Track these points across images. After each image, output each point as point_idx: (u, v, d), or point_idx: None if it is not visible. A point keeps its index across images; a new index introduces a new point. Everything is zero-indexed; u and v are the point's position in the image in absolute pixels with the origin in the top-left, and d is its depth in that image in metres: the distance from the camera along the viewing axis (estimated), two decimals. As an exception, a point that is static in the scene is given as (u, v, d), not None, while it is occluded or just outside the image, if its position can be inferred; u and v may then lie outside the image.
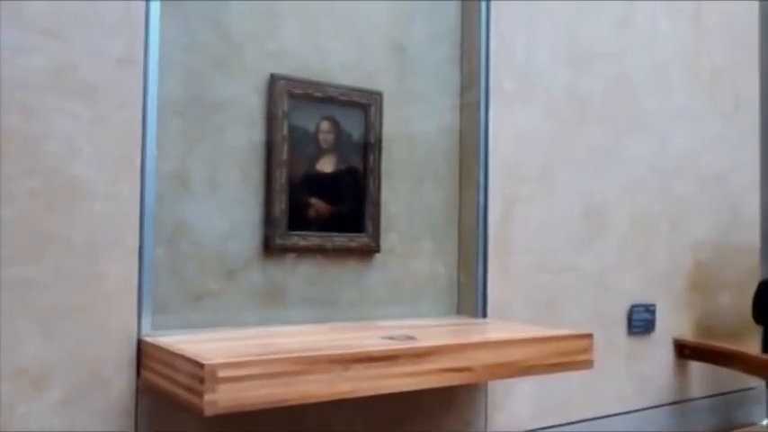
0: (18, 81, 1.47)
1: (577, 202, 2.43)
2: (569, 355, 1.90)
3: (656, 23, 2.68)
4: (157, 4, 1.64)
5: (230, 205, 1.81)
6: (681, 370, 2.74)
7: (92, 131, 1.55)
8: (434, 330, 1.94)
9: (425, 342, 1.68)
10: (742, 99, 3.00)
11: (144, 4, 1.62)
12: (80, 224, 1.53)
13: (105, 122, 1.56)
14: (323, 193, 1.95)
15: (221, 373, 1.34)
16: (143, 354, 1.58)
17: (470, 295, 2.17)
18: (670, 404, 2.69)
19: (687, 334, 2.76)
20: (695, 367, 2.77)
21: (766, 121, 3.10)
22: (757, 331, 2.64)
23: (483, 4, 2.19)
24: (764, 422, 2.76)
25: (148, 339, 1.57)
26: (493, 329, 2.05)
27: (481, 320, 2.14)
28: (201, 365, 1.33)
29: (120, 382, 1.56)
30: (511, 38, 2.26)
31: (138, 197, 1.60)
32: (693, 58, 2.81)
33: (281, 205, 1.85)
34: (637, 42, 2.62)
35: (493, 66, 2.20)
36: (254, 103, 1.84)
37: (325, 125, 1.95)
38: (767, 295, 2.66)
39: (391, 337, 1.71)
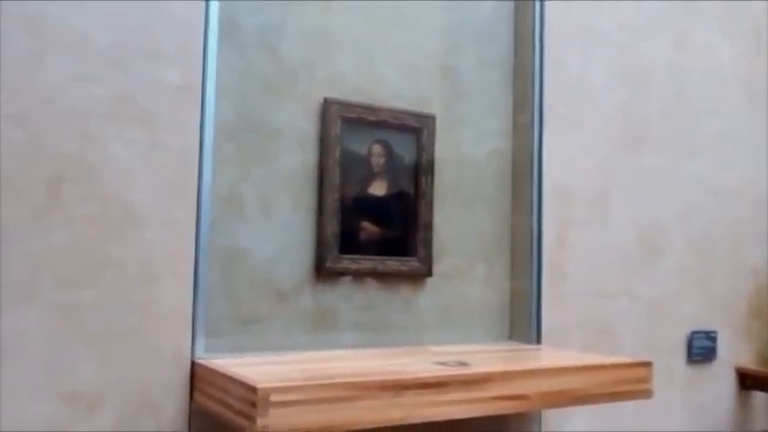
0: (78, 109, 1.50)
1: (633, 225, 2.37)
2: (627, 384, 1.84)
3: (713, 42, 2.62)
4: (215, 33, 1.67)
5: (282, 229, 1.82)
6: (743, 401, 2.64)
7: (149, 158, 1.58)
8: (487, 356, 1.91)
9: (478, 368, 1.65)
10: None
11: (202, 33, 1.65)
12: (135, 249, 1.55)
13: (162, 149, 1.59)
14: (375, 217, 1.94)
15: (274, 398, 1.34)
16: (196, 377, 1.59)
17: (523, 321, 2.14)
18: (732, 436, 2.60)
19: (749, 362, 2.66)
20: (758, 398, 2.67)
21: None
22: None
23: (536, 27, 2.18)
24: None
25: (202, 362, 1.58)
26: (547, 356, 2.01)
27: (535, 347, 2.10)
28: (254, 389, 1.33)
29: (173, 405, 1.57)
30: (564, 59, 2.23)
31: (193, 222, 1.62)
32: (753, 78, 2.73)
33: (332, 229, 1.86)
34: (694, 62, 2.56)
35: (546, 88, 2.18)
36: (308, 128, 1.86)
37: (377, 149, 1.95)
38: None
39: (443, 363, 1.68)
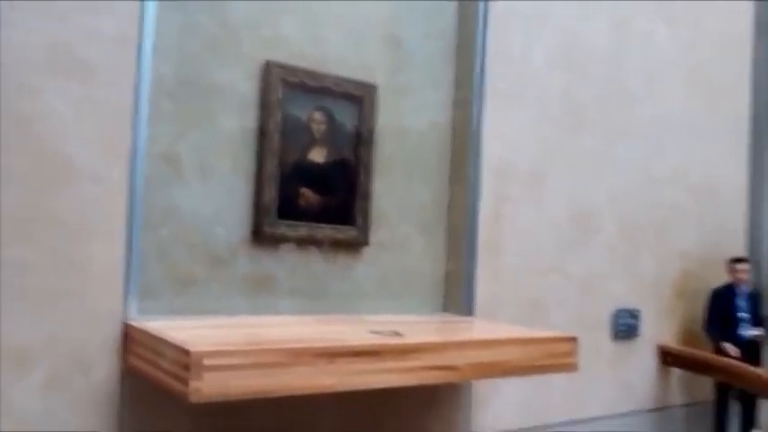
0: (12, 58, 1.43)
1: (567, 205, 2.43)
2: (554, 358, 1.90)
3: (653, 29, 2.69)
4: (155, -17, 1.62)
5: (220, 191, 1.78)
6: (663, 376, 2.75)
7: (83, 111, 1.52)
8: (421, 327, 1.93)
9: (411, 339, 1.67)
10: (735, 111, 3.03)
11: (141, -17, 1.59)
12: (68, 205, 1.50)
13: (97, 102, 1.53)
14: (314, 184, 1.92)
15: (207, 361, 1.32)
16: (128, 338, 1.55)
17: (457, 293, 2.16)
18: (651, 410, 2.70)
19: (671, 341, 2.77)
20: (677, 374, 2.79)
21: (757, 133, 3.11)
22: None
23: (481, 4, 2.18)
24: None
25: (134, 324, 1.55)
26: (479, 329, 2.04)
27: (467, 319, 2.13)
28: (188, 352, 1.31)
29: (105, 366, 1.54)
30: (507, 38, 2.25)
31: (127, 180, 1.57)
32: (689, 68, 2.82)
33: (271, 194, 1.83)
34: (633, 48, 2.63)
35: (488, 65, 2.19)
36: (248, 90, 1.82)
37: (318, 115, 1.93)
38: (717, 305, 2.74)
39: (377, 333, 1.69)
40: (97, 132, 1.53)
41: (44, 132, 1.47)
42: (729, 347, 2.66)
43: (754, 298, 2.80)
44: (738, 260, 2.78)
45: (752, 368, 2.54)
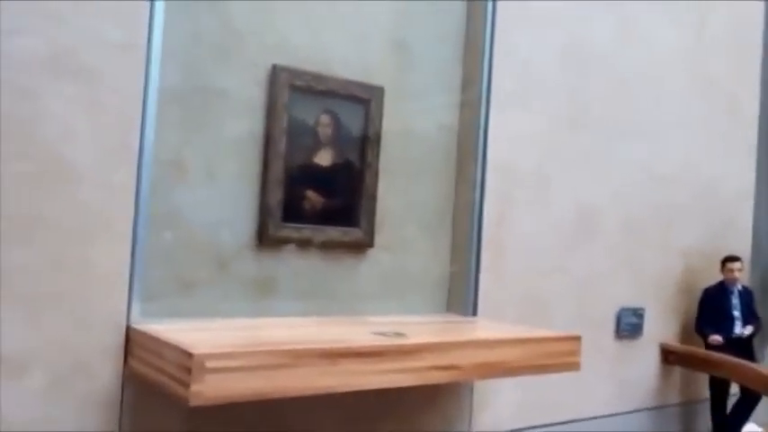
0: (15, 62, 1.45)
1: (570, 205, 2.43)
2: (557, 357, 1.91)
3: (658, 31, 2.68)
4: (162, -8, 1.64)
5: (226, 195, 1.80)
6: (665, 375, 2.76)
7: (88, 116, 1.54)
8: (424, 327, 1.95)
9: (414, 339, 1.69)
10: (739, 109, 3.01)
11: (148, -9, 1.61)
12: (72, 209, 1.52)
13: (103, 107, 1.55)
14: (319, 187, 1.94)
15: (209, 364, 1.34)
16: (131, 342, 1.58)
17: (461, 293, 2.18)
18: (651, 409, 2.71)
19: (674, 339, 2.78)
20: (679, 372, 2.80)
21: (764, 131, 3.10)
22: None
23: (489, 5, 2.18)
24: (746, 427, 2.78)
25: (137, 327, 1.57)
26: (482, 329, 2.06)
27: (471, 319, 2.15)
28: (190, 355, 1.33)
29: (106, 369, 1.56)
30: (514, 40, 2.25)
31: (133, 183, 1.59)
32: (695, 66, 2.81)
33: (276, 197, 1.85)
34: (638, 48, 2.62)
35: (495, 66, 2.19)
36: (255, 94, 1.83)
37: (324, 119, 1.95)
38: (709, 304, 2.74)
39: (380, 333, 1.71)
40: (102, 137, 1.55)
41: (44, 136, 1.49)
42: (713, 338, 2.68)
43: (747, 295, 2.81)
44: (730, 259, 2.79)
45: (751, 364, 2.55)
